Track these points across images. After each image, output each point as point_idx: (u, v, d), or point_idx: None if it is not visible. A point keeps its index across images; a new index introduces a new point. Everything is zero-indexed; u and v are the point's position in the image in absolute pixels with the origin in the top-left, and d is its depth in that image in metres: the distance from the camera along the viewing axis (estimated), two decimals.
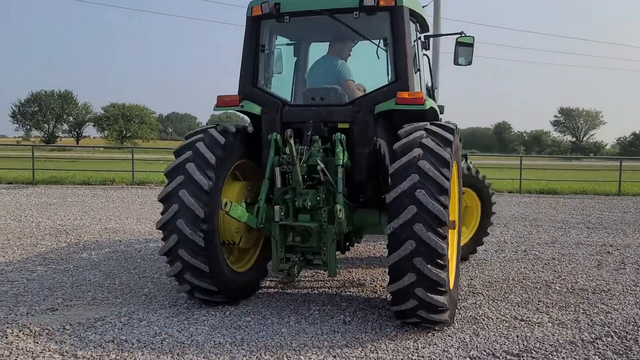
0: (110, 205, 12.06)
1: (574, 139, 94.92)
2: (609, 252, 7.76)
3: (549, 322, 4.54)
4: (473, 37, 5.47)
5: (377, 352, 3.79)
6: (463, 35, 5.52)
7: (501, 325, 4.42)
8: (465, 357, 3.75)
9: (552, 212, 12.54)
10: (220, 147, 4.56)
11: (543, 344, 4.03)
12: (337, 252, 4.67)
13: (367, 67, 5.70)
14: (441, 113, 5.65)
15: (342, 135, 4.58)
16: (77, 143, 76.20)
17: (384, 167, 4.73)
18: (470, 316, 4.63)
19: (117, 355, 3.66)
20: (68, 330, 4.12)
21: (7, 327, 4.14)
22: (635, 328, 4.42)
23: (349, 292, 5.36)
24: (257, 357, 3.68)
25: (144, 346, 3.82)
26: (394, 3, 4.61)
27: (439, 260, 3.85)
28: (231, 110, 5.17)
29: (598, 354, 3.86)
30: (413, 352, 3.80)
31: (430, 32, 5.72)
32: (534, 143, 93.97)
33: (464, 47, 5.49)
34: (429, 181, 3.90)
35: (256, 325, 4.31)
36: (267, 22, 5.04)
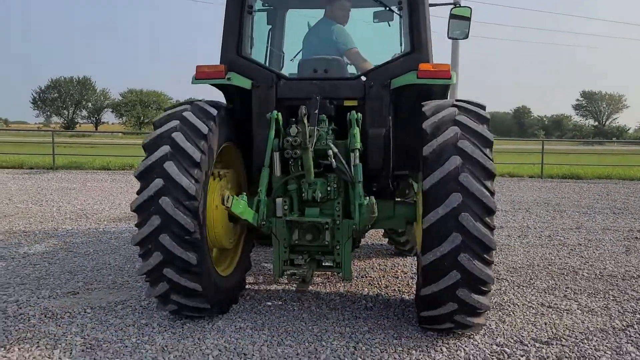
0: (129, 190, 12.13)
1: (596, 123, 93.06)
2: (637, 237, 7.54)
3: (577, 309, 4.40)
4: (470, 9, 4.71)
5: (401, 339, 3.70)
6: (458, 6, 4.90)
7: (528, 312, 4.30)
8: (491, 344, 3.64)
9: (575, 197, 12.27)
10: (212, 120, 3.85)
11: (573, 331, 3.90)
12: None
13: (366, 36, 5.01)
14: None
15: (359, 114, 4.00)
16: (96, 129, 77.11)
17: (397, 152, 4.20)
18: (495, 302, 4.51)
19: (138, 339, 3.64)
20: (89, 313, 4.12)
21: (30, 310, 4.16)
22: None
23: (370, 276, 5.28)
24: (277, 342, 3.63)
25: (165, 330, 3.79)
26: None
27: (486, 256, 3.37)
28: (213, 83, 4.30)
29: (631, 342, 3.73)
30: (437, 339, 3.71)
31: None
32: (555, 127, 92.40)
33: (459, 20, 4.71)
34: (473, 164, 3.39)
35: (277, 310, 4.26)
36: None
